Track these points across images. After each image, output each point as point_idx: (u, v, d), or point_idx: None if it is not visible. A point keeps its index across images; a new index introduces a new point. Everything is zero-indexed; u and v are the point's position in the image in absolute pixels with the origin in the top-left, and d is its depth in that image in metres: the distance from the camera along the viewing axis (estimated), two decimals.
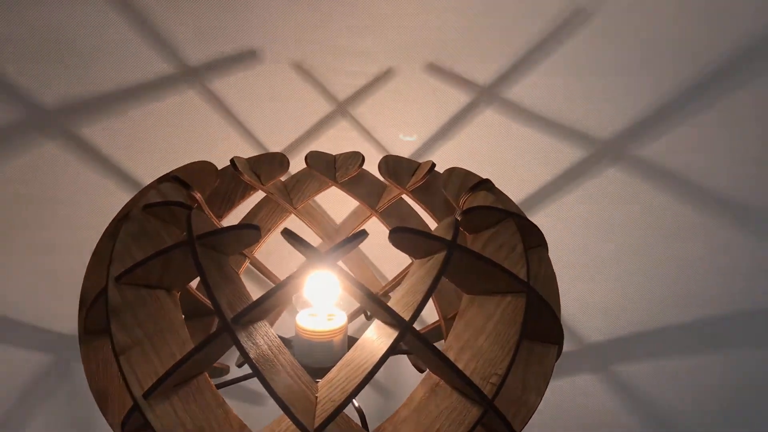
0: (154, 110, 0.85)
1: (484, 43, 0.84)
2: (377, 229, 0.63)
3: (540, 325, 0.53)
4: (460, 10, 0.83)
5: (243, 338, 0.42)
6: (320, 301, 0.63)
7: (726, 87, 0.85)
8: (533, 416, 0.96)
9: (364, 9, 0.83)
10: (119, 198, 0.87)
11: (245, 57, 0.84)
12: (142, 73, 0.84)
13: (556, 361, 0.56)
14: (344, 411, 0.43)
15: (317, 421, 0.42)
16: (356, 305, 0.76)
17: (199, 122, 0.85)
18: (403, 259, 0.70)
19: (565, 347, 0.92)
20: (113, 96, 0.85)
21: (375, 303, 0.43)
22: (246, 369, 0.67)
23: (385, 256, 0.86)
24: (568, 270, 0.91)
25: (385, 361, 0.42)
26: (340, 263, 0.62)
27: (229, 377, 0.66)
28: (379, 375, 0.70)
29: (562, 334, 0.54)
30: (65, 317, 0.93)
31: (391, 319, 0.43)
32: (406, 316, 0.43)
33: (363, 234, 0.45)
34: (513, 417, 0.51)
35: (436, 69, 0.85)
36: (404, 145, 0.86)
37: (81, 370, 0.90)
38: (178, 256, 0.47)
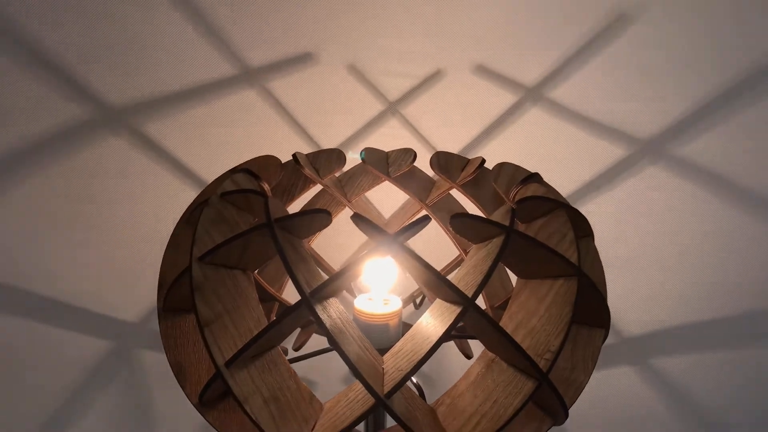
0: (216, 109, 0.89)
1: (529, 44, 0.87)
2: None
3: (588, 309, 0.56)
4: (506, 13, 0.86)
5: (319, 310, 0.45)
6: (377, 286, 0.66)
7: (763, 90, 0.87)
8: (576, 416, 0.99)
9: (413, 9, 0.86)
10: (182, 191, 0.91)
11: (301, 59, 0.87)
12: (206, 73, 0.88)
13: (602, 344, 0.59)
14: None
15: (386, 389, 0.45)
16: (407, 294, 0.79)
17: (258, 121, 0.88)
18: (443, 255, 0.73)
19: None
20: (178, 95, 0.89)
21: (441, 280, 0.46)
22: (306, 351, 0.71)
23: (429, 250, 0.89)
24: (610, 263, 0.93)
25: (449, 333, 0.46)
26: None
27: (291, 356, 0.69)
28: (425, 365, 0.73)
29: (609, 318, 0.57)
30: (129, 306, 0.96)
31: (455, 296, 0.46)
32: (469, 294, 0.46)
33: (427, 219, 0.48)
34: (563, 394, 0.54)
35: (483, 69, 0.88)
36: (453, 143, 0.88)
37: (141, 356, 0.95)
38: (257, 238, 0.50)
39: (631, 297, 0.94)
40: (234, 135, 0.88)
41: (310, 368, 0.94)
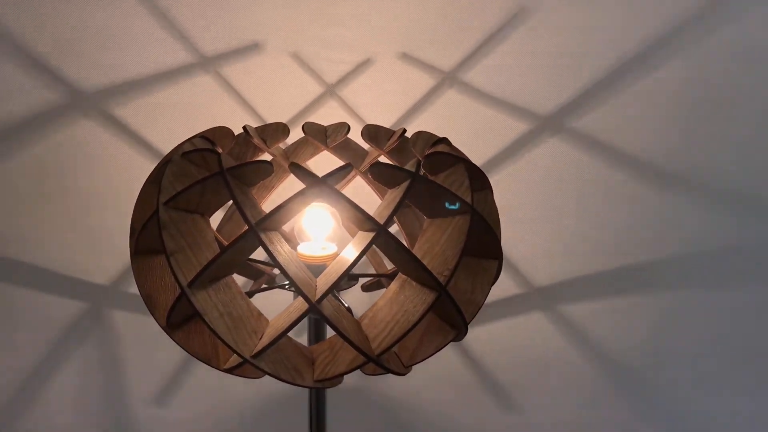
0: (175, 92, 0.96)
1: (445, 34, 0.97)
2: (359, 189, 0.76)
3: (484, 244, 0.67)
4: (425, 7, 0.95)
5: (264, 238, 0.55)
6: (316, 235, 0.76)
7: (642, 71, 0.99)
8: (489, 354, 1.10)
9: (347, 5, 0.96)
10: (145, 165, 0.97)
11: (250, 48, 0.95)
12: (166, 60, 0.95)
13: (498, 275, 0.70)
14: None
15: (317, 296, 0.55)
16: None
17: (212, 102, 0.97)
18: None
19: (517, 290, 1.06)
20: (141, 81, 0.96)
21: (360, 213, 0.56)
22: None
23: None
24: (521, 224, 1.04)
25: (366, 250, 0.56)
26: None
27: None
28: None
29: (501, 251, 0.68)
30: (98, 270, 1.03)
31: (372, 224, 0.57)
32: (381, 222, 0.56)
33: (349, 166, 0.59)
34: (465, 311, 0.64)
35: (406, 57, 0.97)
36: (383, 121, 0.98)
37: (111, 317, 1.03)
38: (212, 184, 0.59)
39: (539, 252, 1.05)
40: (191, 115, 0.96)
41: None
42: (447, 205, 0.61)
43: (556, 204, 1.03)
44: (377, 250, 0.97)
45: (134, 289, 1.04)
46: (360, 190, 0.81)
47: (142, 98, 0.97)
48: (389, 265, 0.88)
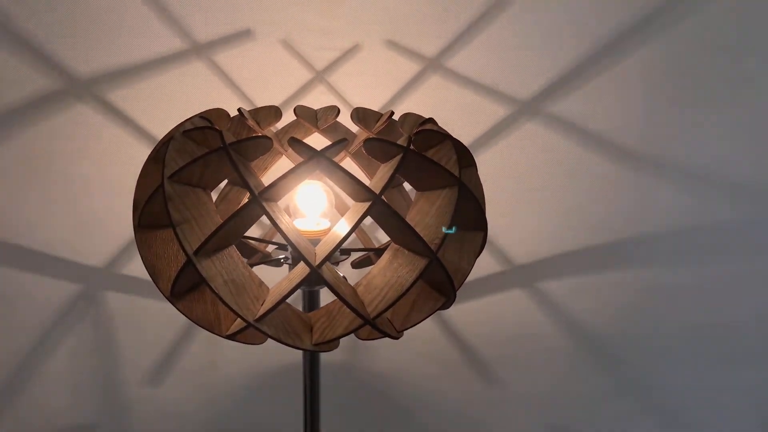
0: (169, 77, 0.98)
1: (429, 22, 0.99)
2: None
3: (470, 217, 0.70)
4: None
5: (267, 207, 0.58)
6: (310, 211, 0.79)
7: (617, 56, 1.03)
8: (471, 330, 1.14)
9: None
10: (141, 149, 1.00)
11: (241, 35, 0.97)
12: (160, 47, 0.97)
13: (483, 246, 0.73)
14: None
15: (317, 261, 0.58)
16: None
17: (204, 88, 0.98)
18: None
19: (498, 268, 1.10)
20: (134, 67, 0.97)
21: (356, 182, 0.59)
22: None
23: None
24: (500, 205, 1.07)
25: (363, 219, 0.59)
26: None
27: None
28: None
29: (486, 223, 0.71)
30: (92, 252, 1.04)
31: (367, 194, 0.60)
32: (377, 192, 0.59)
33: (344, 140, 0.62)
34: (453, 278, 0.67)
35: (392, 44, 1.00)
36: (369, 105, 1.01)
37: (106, 297, 1.05)
38: (214, 159, 0.62)
39: (521, 232, 1.08)
40: (184, 100, 0.98)
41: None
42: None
43: (534, 186, 1.07)
44: (364, 231, 1.00)
45: (127, 270, 1.06)
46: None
47: (135, 84, 0.98)
48: (376, 244, 0.91)
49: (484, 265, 1.10)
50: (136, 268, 1.06)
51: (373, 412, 1.18)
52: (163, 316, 1.09)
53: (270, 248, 0.90)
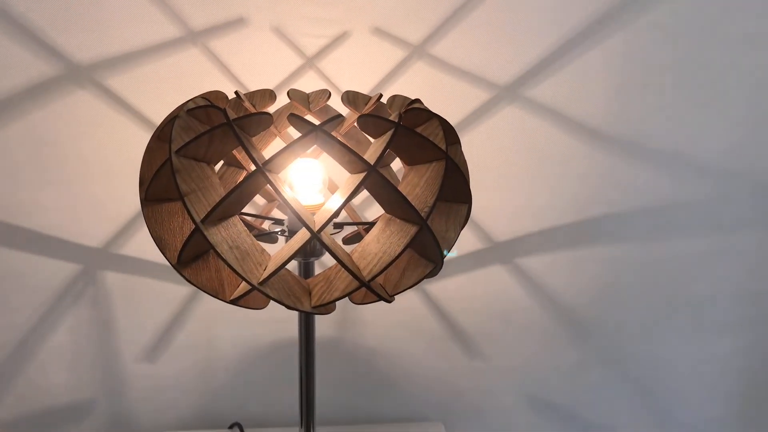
0: (164, 64, 1.00)
1: (414, 11, 1.02)
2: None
3: (456, 190, 0.74)
4: None
5: (270, 177, 0.62)
6: (307, 187, 0.83)
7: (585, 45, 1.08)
8: (455, 305, 1.18)
9: None
10: (138, 134, 1.02)
11: (235, 23, 1.00)
12: (157, 34, 0.99)
13: (468, 217, 0.77)
14: None
15: (317, 227, 0.62)
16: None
17: (199, 73, 1.01)
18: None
19: (479, 245, 1.14)
20: (132, 53, 1.00)
21: (352, 154, 0.63)
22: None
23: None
24: (482, 186, 1.10)
25: (359, 188, 0.63)
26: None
27: None
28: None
29: (471, 196, 0.76)
30: (91, 233, 1.07)
31: (363, 165, 0.64)
32: (371, 160, 0.63)
33: (340, 116, 0.66)
34: (441, 245, 0.72)
35: (379, 32, 1.03)
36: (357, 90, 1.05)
37: (104, 276, 1.07)
38: (219, 134, 0.65)
39: (500, 211, 1.12)
40: (180, 85, 1.00)
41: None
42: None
43: (513, 167, 1.11)
44: (353, 210, 1.04)
45: (125, 251, 1.09)
46: None
47: (133, 70, 1.00)
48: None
49: (466, 242, 1.14)
50: (134, 248, 1.08)
51: (361, 384, 1.22)
52: (159, 295, 1.12)
53: (265, 226, 0.94)
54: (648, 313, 1.22)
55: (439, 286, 1.17)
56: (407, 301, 1.17)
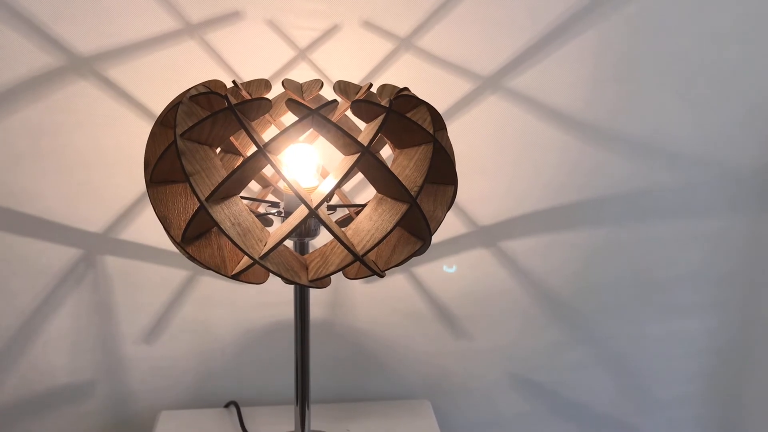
0: (163, 55, 1.03)
1: (401, 5, 1.05)
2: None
3: (443, 172, 0.78)
4: None
5: (270, 157, 0.65)
6: (303, 171, 0.86)
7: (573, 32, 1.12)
8: (441, 287, 1.22)
9: None
10: (136, 122, 1.05)
11: (231, 16, 1.03)
12: (154, 27, 1.01)
13: (454, 198, 0.81)
14: None
15: (314, 204, 0.65)
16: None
17: (196, 65, 1.03)
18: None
19: (464, 229, 1.18)
20: (132, 45, 1.02)
21: (347, 136, 0.67)
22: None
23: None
24: (466, 172, 1.13)
25: (353, 168, 0.66)
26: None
27: None
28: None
29: (456, 177, 0.79)
30: (92, 219, 1.09)
31: (357, 146, 0.67)
32: (365, 142, 0.67)
33: (335, 101, 0.69)
34: (430, 224, 0.75)
35: (368, 25, 1.06)
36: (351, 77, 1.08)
37: (105, 261, 1.10)
38: (221, 117, 0.68)
39: (483, 197, 1.16)
40: (177, 76, 1.03)
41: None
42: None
43: (496, 154, 1.15)
44: (345, 194, 1.07)
45: (124, 235, 1.11)
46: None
47: (132, 61, 1.03)
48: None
49: (452, 226, 1.18)
50: (133, 233, 1.11)
51: (353, 364, 1.25)
52: (157, 279, 1.14)
53: (261, 207, 0.97)
54: (621, 294, 1.27)
55: (426, 269, 1.20)
56: (396, 285, 1.21)
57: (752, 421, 1.35)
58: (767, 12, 1.14)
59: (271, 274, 0.70)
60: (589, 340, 1.29)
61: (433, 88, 1.09)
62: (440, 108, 1.10)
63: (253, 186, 1.07)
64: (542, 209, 1.19)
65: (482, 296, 1.23)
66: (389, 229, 0.69)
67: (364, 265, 0.70)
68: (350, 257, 0.69)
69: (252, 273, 0.72)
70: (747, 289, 1.30)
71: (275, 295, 1.16)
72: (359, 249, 0.69)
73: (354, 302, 1.21)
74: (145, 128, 1.01)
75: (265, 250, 0.67)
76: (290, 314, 0.95)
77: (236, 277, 0.72)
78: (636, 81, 1.15)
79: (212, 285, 1.17)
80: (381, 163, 0.68)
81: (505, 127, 1.14)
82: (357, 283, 1.20)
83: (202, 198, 0.66)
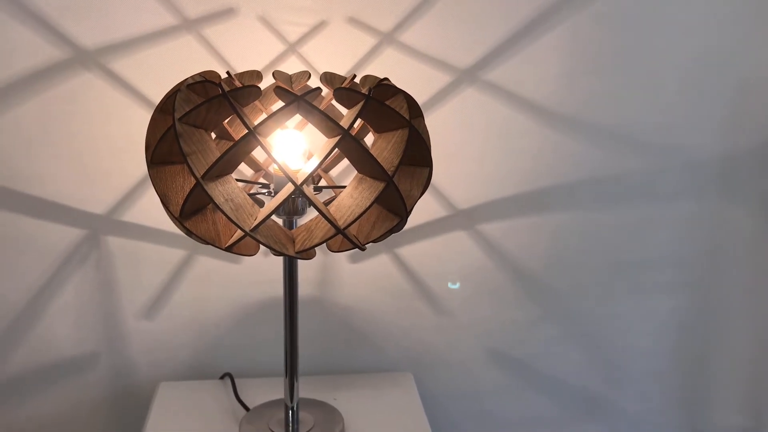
0: (162, 49, 1.08)
1: (385, 2, 1.11)
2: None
3: (419, 156, 0.84)
4: None
5: (260, 138, 0.71)
6: (290, 155, 0.92)
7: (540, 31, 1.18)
8: (422, 267, 1.27)
9: None
10: (137, 112, 1.10)
11: (226, 12, 1.08)
12: (154, 23, 1.07)
13: (429, 179, 0.87)
14: None
15: (299, 180, 0.72)
16: None
17: (193, 58, 1.09)
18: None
19: (443, 212, 1.24)
20: (134, 39, 1.08)
21: (329, 119, 0.73)
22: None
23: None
24: (445, 159, 1.17)
25: (335, 148, 0.73)
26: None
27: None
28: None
29: (431, 160, 0.85)
30: (96, 201, 1.14)
31: (338, 129, 0.73)
32: (345, 126, 0.73)
33: (319, 88, 0.75)
34: (406, 202, 0.82)
35: (354, 21, 1.11)
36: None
37: (108, 241, 1.15)
38: (216, 103, 0.74)
39: (462, 182, 1.21)
40: (176, 68, 1.06)
41: None
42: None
43: (474, 142, 1.20)
44: (330, 177, 1.13)
45: (127, 217, 1.16)
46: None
47: (135, 54, 1.08)
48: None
49: (433, 209, 1.24)
50: (135, 215, 1.16)
51: (337, 339, 1.31)
52: (157, 258, 1.20)
53: (252, 188, 1.03)
54: (593, 274, 1.32)
55: (408, 250, 1.26)
56: (381, 264, 1.26)
57: (716, 391, 1.42)
58: (730, 5, 1.20)
59: (261, 246, 0.76)
60: (563, 318, 1.35)
61: (414, 80, 1.15)
62: (420, 98, 1.15)
63: (247, 171, 1.12)
64: (518, 193, 1.25)
65: (460, 274, 1.28)
66: (368, 205, 0.75)
67: (345, 237, 0.76)
68: (333, 230, 0.75)
69: (244, 245, 0.78)
70: (711, 270, 1.36)
71: (267, 274, 1.22)
72: (341, 223, 0.75)
73: (341, 281, 1.27)
74: (145, 116, 1.04)
75: (256, 223, 0.73)
76: (281, 292, 1.01)
77: (229, 249, 0.78)
78: (606, 73, 1.20)
79: (209, 264, 1.22)
80: (360, 145, 0.74)
81: (482, 117, 1.20)
82: (344, 263, 1.26)
83: (198, 175, 0.72)
